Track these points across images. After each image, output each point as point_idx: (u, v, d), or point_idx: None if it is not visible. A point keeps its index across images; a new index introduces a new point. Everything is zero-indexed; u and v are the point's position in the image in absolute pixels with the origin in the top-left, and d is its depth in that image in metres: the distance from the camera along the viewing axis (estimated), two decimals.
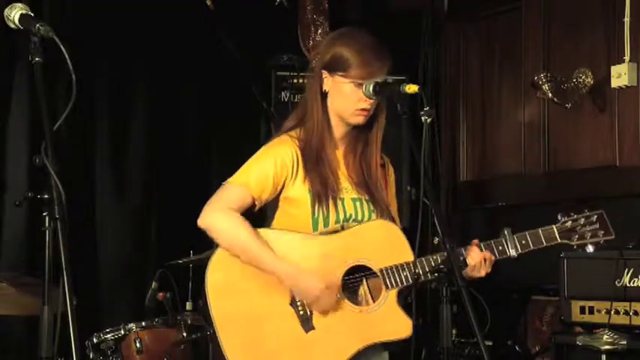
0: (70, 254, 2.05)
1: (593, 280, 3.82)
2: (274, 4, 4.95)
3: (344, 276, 2.71)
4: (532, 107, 4.91)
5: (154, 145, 4.84)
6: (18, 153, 4.32)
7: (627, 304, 3.73)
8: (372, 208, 2.80)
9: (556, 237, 2.76)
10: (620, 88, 4.39)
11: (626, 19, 4.35)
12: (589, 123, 4.61)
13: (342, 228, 2.75)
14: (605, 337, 3.68)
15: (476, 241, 2.76)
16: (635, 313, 3.70)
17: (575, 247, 2.77)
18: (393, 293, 2.69)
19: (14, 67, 4.34)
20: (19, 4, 2.27)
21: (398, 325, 2.68)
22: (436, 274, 2.53)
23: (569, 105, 4.59)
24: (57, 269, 2.05)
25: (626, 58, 4.34)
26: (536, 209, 4.87)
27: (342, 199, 2.76)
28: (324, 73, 2.76)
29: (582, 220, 2.77)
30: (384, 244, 2.72)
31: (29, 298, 3.28)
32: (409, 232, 4.43)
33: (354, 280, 2.74)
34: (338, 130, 2.81)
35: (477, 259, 2.69)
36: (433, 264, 2.66)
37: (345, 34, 2.81)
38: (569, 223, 2.76)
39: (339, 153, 2.83)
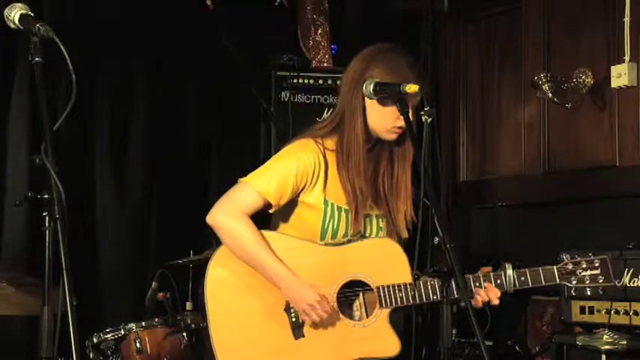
0: (70, 254, 2.05)
1: None
2: (274, 4, 4.95)
3: (341, 288, 2.73)
4: (532, 107, 4.91)
5: (153, 145, 4.84)
6: (18, 153, 4.32)
7: (627, 304, 3.73)
8: (380, 225, 2.84)
9: (555, 278, 2.77)
10: (620, 88, 4.39)
11: (626, 19, 4.35)
12: (589, 123, 4.61)
13: (349, 241, 2.78)
14: (605, 337, 3.68)
15: (487, 269, 2.77)
16: (635, 313, 3.70)
17: (573, 289, 2.78)
18: (386, 312, 2.72)
19: (14, 67, 4.34)
20: (19, 4, 2.27)
21: (386, 344, 2.72)
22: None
23: (569, 105, 4.60)
24: (57, 269, 2.05)
25: (626, 58, 4.34)
26: (536, 209, 4.87)
27: (361, 216, 2.78)
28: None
29: (584, 264, 2.76)
30: (384, 262, 2.75)
31: (29, 298, 3.28)
32: (409, 232, 4.42)
33: (351, 294, 2.76)
34: (367, 143, 2.81)
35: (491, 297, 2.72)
36: (430, 290, 2.70)
37: (385, 52, 2.80)
38: (570, 266, 2.76)
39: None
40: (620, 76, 4.34)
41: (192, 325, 3.73)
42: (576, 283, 2.76)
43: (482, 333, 2.35)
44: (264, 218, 2.84)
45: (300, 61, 4.81)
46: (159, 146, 4.85)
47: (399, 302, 2.71)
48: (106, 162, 4.74)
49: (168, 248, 4.47)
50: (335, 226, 2.76)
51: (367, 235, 2.82)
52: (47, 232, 2.11)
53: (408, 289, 2.70)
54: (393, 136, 2.78)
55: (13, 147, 4.34)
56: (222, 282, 2.73)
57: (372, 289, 2.73)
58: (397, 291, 2.70)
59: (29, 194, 2.15)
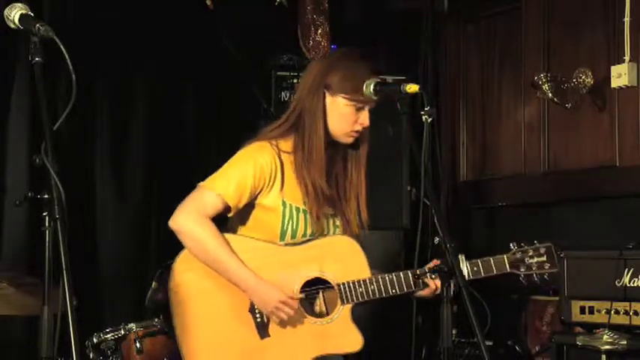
0: (70, 254, 2.05)
1: (594, 280, 3.82)
2: (274, 4, 4.95)
3: (303, 287, 2.79)
4: (532, 107, 4.91)
5: (154, 144, 4.84)
6: (18, 153, 4.32)
7: (627, 304, 3.72)
8: (337, 224, 2.89)
9: (506, 267, 2.87)
10: (620, 88, 4.39)
11: (626, 19, 4.34)
12: (589, 123, 4.61)
13: (309, 240, 2.84)
14: (605, 337, 3.68)
15: (435, 261, 2.80)
16: (635, 313, 3.70)
17: (522, 276, 2.90)
18: (347, 308, 2.79)
19: (14, 67, 4.34)
20: (19, 4, 2.27)
21: (349, 340, 2.79)
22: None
23: (569, 105, 4.59)
24: (57, 269, 2.05)
25: (626, 58, 4.34)
26: (536, 209, 4.87)
27: (318, 216, 2.83)
28: (326, 92, 2.81)
29: (531, 252, 2.88)
30: (343, 259, 2.81)
31: (29, 298, 3.28)
32: (410, 232, 4.45)
33: (312, 292, 2.82)
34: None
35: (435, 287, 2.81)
36: (389, 284, 2.77)
37: (347, 56, 2.87)
38: (518, 254, 2.88)
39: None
40: (620, 76, 4.34)
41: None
42: (525, 271, 2.88)
43: (483, 333, 2.35)
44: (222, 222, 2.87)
45: (300, 61, 4.81)
46: (159, 146, 4.85)
47: (359, 298, 2.77)
48: (106, 162, 4.74)
49: (168, 248, 4.46)
50: (294, 227, 2.81)
51: (325, 234, 2.87)
52: (47, 232, 2.11)
53: (368, 285, 2.76)
54: (350, 140, 2.85)
55: (13, 147, 4.34)
56: (185, 287, 2.78)
57: (332, 287, 2.79)
58: (357, 287, 2.77)
59: (29, 194, 2.15)
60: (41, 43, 2.22)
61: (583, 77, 4.53)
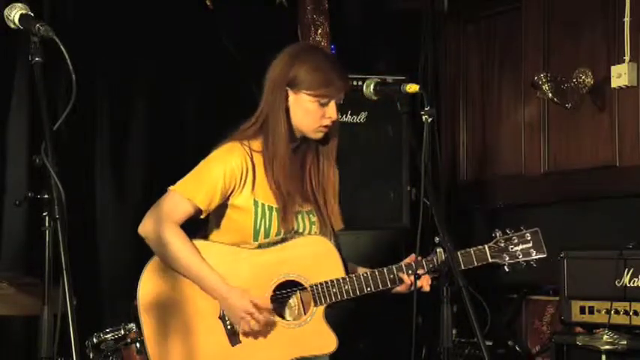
0: (70, 254, 2.05)
1: (593, 280, 3.83)
2: (274, 4, 4.95)
3: (276, 289, 2.76)
4: (532, 107, 4.91)
5: (154, 144, 4.84)
6: (18, 153, 4.32)
7: (627, 304, 3.73)
8: (312, 220, 2.86)
9: (487, 257, 2.80)
10: (620, 88, 4.39)
11: (626, 19, 4.35)
12: (589, 123, 4.61)
13: (283, 240, 2.81)
14: (605, 337, 3.68)
15: (412, 257, 2.79)
16: (635, 313, 3.70)
17: (506, 265, 2.81)
18: (320, 309, 2.76)
19: (14, 67, 4.34)
20: (19, 4, 2.27)
21: (323, 341, 2.75)
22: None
23: (569, 105, 4.60)
24: (57, 269, 2.05)
25: (626, 58, 4.34)
26: (536, 209, 4.87)
27: (291, 213, 2.81)
28: (287, 89, 2.80)
29: (515, 239, 2.83)
30: (316, 259, 2.78)
31: (29, 298, 3.28)
32: (410, 232, 4.45)
33: (285, 294, 2.79)
34: (292, 142, 2.85)
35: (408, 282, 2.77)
36: (364, 282, 2.74)
37: (307, 52, 2.89)
38: (502, 243, 2.82)
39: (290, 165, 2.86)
40: (620, 76, 4.34)
41: None
42: (509, 260, 2.80)
43: (483, 333, 2.35)
44: (196, 225, 2.85)
45: None
46: (159, 146, 4.84)
47: (332, 298, 2.74)
48: (106, 162, 4.73)
49: None
50: (267, 226, 2.78)
51: (300, 230, 2.83)
52: (47, 232, 2.11)
53: (342, 284, 2.73)
54: (319, 135, 2.82)
55: (13, 147, 4.34)
56: (155, 295, 2.76)
57: (305, 288, 2.76)
58: (330, 287, 2.73)
59: (29, 194, 2.15)
60: (41, 43, 2.21)
61: (583, 77, 4.53)
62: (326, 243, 2.81)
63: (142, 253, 4.73)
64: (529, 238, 2.82)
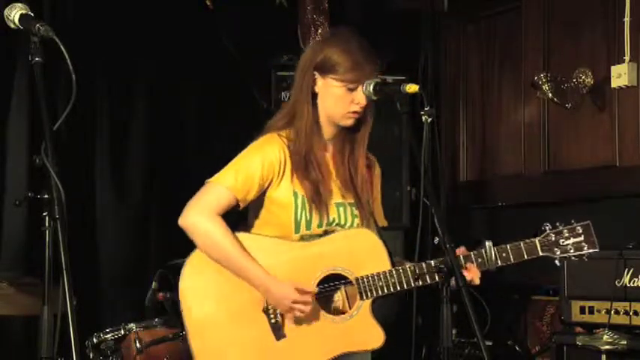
0: (70, 254, 2.05)
1: (593, 280, 3.82)
2: (274, 4, 4.95)
3: (319, 283, 2.71)
4: (532, 107, 4.91)
5: (153, 144, 4.84)
6: (18, 153, 4.32)
7: (627, 304, 3.73)
8: (355, 212, 2.80)
9: (537, 251, 2.72)
10: (620, 88, 4.39)
11: (626, 19, 4.35)
12: (589, 123, 4.61)
13: (325, 232, 2.76)
14: (605, 337, 3.68)
15: (462, 249, 2.74)
16: (635, 313, 3.70)
17: (557, 260, 2.73)
18: (367, 303, 2.69)
19: (14, 67, 4.34)
20: (19, 4, 2.27)
21: (370, 336, 2.69)
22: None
23: (569, 105, 4.60)
24: (57, 269, 2.05)
25: (626, 58, 4.34)
26: (536, 209, 4.87)
27: (327, 204, 2.75)
28: (316, 74, 2.76)
29: (566, 233, 2.73)
30: (362, 252, 2.72)
31: (29, 298, 3.28)
32: (410, 232, 4.44)
33: (330, 288, 2.73)
34: (327, 131, 2.80)
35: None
36: (410, 274, 2.67)
37: (337, 37, 2.81)
38: (552, 236, 2.72)
39: (328, 155, 2.82)
40: (620, 76, 4.34)
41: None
42: (560, 254, 2.72)
43: (482, 333, 2.34)
44: (235, 219, 2.82)
45: None
46: (159, 146, 4.85)
47: (379, 292, 2.67)
48: (106, 162, 4.73)
49: (168, 248, 4.46)
50: (308, 217, 2.73)
51: (342, 223, 2.78)
52: (47, 232, 2.10)
53: (388, 277, 2.67)
54: (349, 122, 2.76)
55: (13, 147, 4.34)
56: (197, 289, 2.71)
57: (351, 282, 2.70)
58: (377, 280, 2.67)
59: (29, 194, 2.15)
60: (41, 43, 2.21)
61: (583, 77, 4.53)
62: (371, 236, 2.74)
63: (142, 253, 4.77)
64: (580, 231, 2.73)
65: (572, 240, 2.72)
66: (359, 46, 2.74)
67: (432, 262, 2.64)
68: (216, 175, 2.75)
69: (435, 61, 5.39)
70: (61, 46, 2.18)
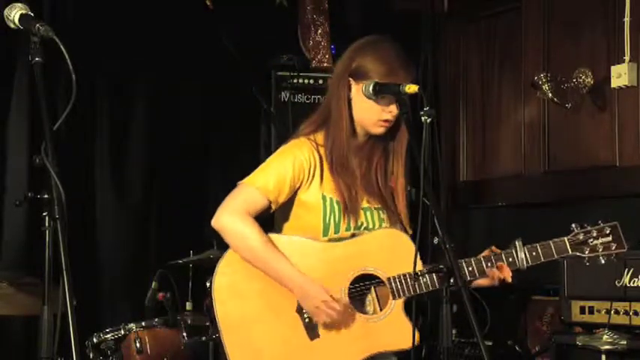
0: (70, 254, 2.05)
1: (593, 280, 3.82)
2: (274, 4, 4.95)
3: (352, 283, 2.71)
4: (532, 107, 4.91)
5: (153, 145, 4.84)
6: (18, 153, 4.32)
7: (627, 304, 3.73)
8: (382, 217, 2.82)
9: (567, 249, 2.73)
10: (620, 88, 4.39)
11: (626, 19, 4.34)
12: (589, 123, 4.61)
13: (353, 235, 2.76)
14: (605, 337, 3.68)
15: (493, 248, 2.75)
16: (635, 313, 3.70)
17: (586, 260, 2.73)
18: (399, 302, 2.70)
19: (14, 67, 4.34)
20: (19, 4, 2.27)
21: (402, 336, 2.68)
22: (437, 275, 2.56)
23: (569, 105, 4.60)
24: (57, 269, 2.05)
25: (626, 58, 4.34)
26: (536, 209, 4.87)
27: (357, 208, 2.77)
28: (351, 81, 2.76)
29: (595, 233, 2.74)
30: (393, 252, 2.73)
31: (29, 298, 3.28)
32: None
33: (362, 288, 2.74)
34: (358, 137, 2.81)
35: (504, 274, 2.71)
36: (436, 278, 2.67)
37: (372, 43, 2.80)
38: (581, 236, 2.73)
39: (356, 161, 2.83)
40: (620, 76, 4.34)
41: (193, 325, 3.73)
42: (589, 253, 2.72)
43: (482, 333, 2.35)
44: (269, 220, 2.84)
45: (300, 61, 4.81)
46: (159, 146, 4.85)
47: (411, 291, 2.68)
48: (106, 162, 4.73)
49: (168, 248, 4.47)
50: (336, 220, 2.74)
51: (371, 227, 2.79)
52: (47, 232, 2.10)
53: (420, 277, 2.67)
54: (380, 130, 2.77)
55: (13, 147, 4.34)
56: (230, 288, 2.71)
57: (382, 282, 2.70)
58: (409, 280, 2.67)
59: (29, 194, 2.15)
60: (41, 43, 2.21)
61: (583, 77, 4.53)
62: (402, 236, 2.76)
63: (142, 253, 4.77)
64: (608, 232, 2.74)
65: (600, 240, 2.74)
66: (393, 53, 2.75)
67: (464, 260, 2.67)
68: (248, 177, 2.76)
69: (434, 61, 5.39)
70: (61, 46, 2.18)
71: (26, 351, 4.14)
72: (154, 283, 3.90)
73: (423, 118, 2.48)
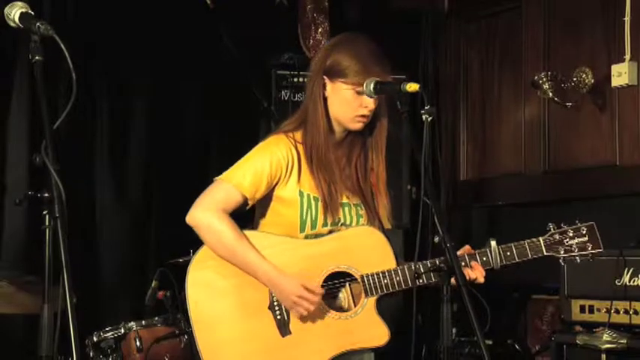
0: (70, 253, 2.05)
1: (594, 279, 3.83)
2: (274, 3, 4.95)
3: (325, 281, 2.72)
4: (532, 106, 4.91)
5: (153, 144, 4.84)
6: (18, 152, 4.32)
7: (627, 303, 3.73)
8: (360, 212, 2.83)
9: (542, 250, 2.75)
10: (621, 87, 4.39)
11: (627, 18, 4.35)
12: (589, 122, 4.61)
13: (331, 232, 2.78)
14: (605, 336, 3.68)
15: (467, 248, 2.76)
16: (635, 312, 3.71)
17: (561, 260, 2.75)
18: (372, 300, 2.71)
19: (14, 65, 4.34)
20: (20, 3, 2.27)
21: (374, 333, 2.71)
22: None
23: (570, 104, 4.60)
24: (57, 267, 2.05)
25: (627, 57, 4.35)
26: (536, 208, 4.87)
27: (336, 204, 2.78)
28: (325, 79, 2.78)
29: (571, 233, 2.75)
30: (368, 250, 2.75)
31: (29, 296, 3.28)
32: (410, 231, 4.44)
33: (335, 286, 2.75)
34: (336, 134, 2.83)
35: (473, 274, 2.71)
36: (415, 272, 2.68)
37: (345, 40, 2.83)
38: (557, 236, 2.75)
39: (334, 157, 2.84)
40: (620, 75, 4.34)
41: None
42: (564, 254, 2.74)
43: (482, 332, 2.34)
44: (241, 220, 2.83)
45: (300, 60, 4.81)
46: (159, 146, 4.85)
47: (384, 289, 2.70)
48: (106, 162, 4.73)
49: (168, 247, 4.47)
50: (313, 217, 2.76)
51: (348, 223, 2.81)
52: (47, 230, 2.10)
53: (393, 275, 2.69)
54: (358, 125, 2.78)
55: (13, 145, 4.34)
56: (203, 285, 2.72)
57: (356, 279, 2.72)
58: (382, 278, 2.69)
59: (29, 193, 2.15)
60: (41, 41, 2.21)
61: (583, 76, 4.53)
62: (376, 234, 2.77)
63: (141, 252, 4.77)
64: (585, 232, 2.75)
65: (576, 240, 2.74)
66: (367, 49, 2.76)
67: (437, 260, 2.65)
68: (225, 173, 2.77)
69: (435, 60, 5.39)
70: (62, 45, 2.18)
71: (26, 349, 4.13)
72: (153, 282, 3.90)
73: (423, 117, 2.49)
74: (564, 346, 3.87)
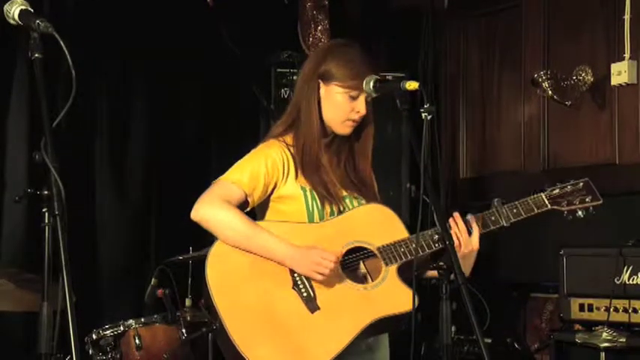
0: (70, 251, 2.05)
1: (593, 278, 3.83)
2: (274, 1, 4.96)
3: (343, 256, 2.73)
4: (532, 105, 4.91)
5: (153, 144, 4.84)
6: (17, 149, 4.33)
7: (626, 301, 3.73)
8: (362, 202, 2.86)
9: (545, 203, 2.82)
10: (620, 85, 4.39)
11: (626, 17, 4.35)
12: (589, 121, 4.61)
13: (339, 214, 2.79)
14: (605, 334, 3.68)
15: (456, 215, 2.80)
16: (635, 310, 3.70)
17: (565, 213, 2.81)
18: (393, 269, 2.72)
19: (14, 63, 4.34)
20: (19, 0, 2.27)
21: (401, 299, 2.70)
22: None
23: (569, 103, 4.60)
24: (56, 265, 2.05)
25: (626, 55, 4.34)
26: None
27: (337, 195, 2.81)
28: (320, 82, 2.81)
29: (569, 188, 2.82)
30: (379, 225, 2.78)
31: (29, 294, 3.29)
32: (409, 229, 4.43)
33: (353, 261, 2.76)
34: (326, 137, 2.85)
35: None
36: (429, 240, 2.72)
37: (339, 47, 2.87)
38: (556, 191, 2.81)
39: (325, 158, 2.87)
40: (620, 73, 4.34)
41: (192, 322, 3.73)
42: (567, 206, 2.80)
43: (482, 330, 2.35)
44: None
45: (299, 58, 4.81)
46: (159, 146, 4.85)
47: (402, 257, 2.72)
48: (106, 162, 4.74)
49: (168, 245, 4.47)
50: (320, 208, 2.78)
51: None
52: (47, 228, 2.10)
53: (409, 243, 2.73)
54: (347, 130, 2.82)
55: (13, 143, 4.35)
56: (223, 280, 2.71)
57: (373, 253, 2.74)
58: (398, 247, 2.72)
59: (29, 190, 2.15)
60: (41, 39, 2.21)
61: (583, 75, 4.53)
62: (385, 209, 2.81)
63: (141, 251, 4.77)
64: (582, 186, 2.83)
65: (576, 194, 2.82)
66: (360, 58, 2.81)
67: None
68: (222, 176, 2.79)
69: (435, 58, 5.39)
70: (61, 42, 2.18)
71: (26, 347, 4.14)
72: (153, 280, 3.90)
73: (423, 115, 2.49)
74: (563, 345, 3.87)
